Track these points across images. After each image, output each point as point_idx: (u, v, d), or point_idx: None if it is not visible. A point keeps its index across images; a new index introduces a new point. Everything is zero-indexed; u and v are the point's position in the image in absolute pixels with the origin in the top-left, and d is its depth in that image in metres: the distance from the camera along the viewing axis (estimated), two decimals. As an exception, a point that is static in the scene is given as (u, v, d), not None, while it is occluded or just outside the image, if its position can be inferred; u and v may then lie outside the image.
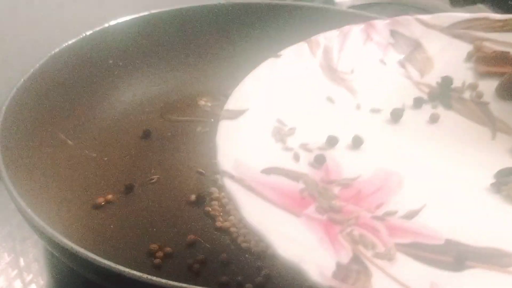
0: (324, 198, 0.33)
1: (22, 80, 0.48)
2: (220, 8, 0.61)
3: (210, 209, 0.45)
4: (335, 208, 0.32)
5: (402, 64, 0.44)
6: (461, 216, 0.33)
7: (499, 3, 0.70)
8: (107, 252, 0.41)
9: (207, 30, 0.60)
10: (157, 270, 0.41)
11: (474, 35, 0.44)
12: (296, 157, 0.35)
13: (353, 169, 0.35)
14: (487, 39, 0.44)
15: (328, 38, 0.43)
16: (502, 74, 0.42)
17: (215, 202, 0.46)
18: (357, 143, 0.37)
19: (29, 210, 0.38)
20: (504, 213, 0.33)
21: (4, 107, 0.46)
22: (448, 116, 0.41)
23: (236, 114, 0.36)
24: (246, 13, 0.61)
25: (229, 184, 0.32)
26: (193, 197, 0.46)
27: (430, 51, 0.44)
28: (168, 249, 0.42)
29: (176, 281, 0.34)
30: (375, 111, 0.40)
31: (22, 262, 0.45)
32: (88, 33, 0.55)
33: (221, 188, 0.46)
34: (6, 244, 0.46)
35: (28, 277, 0.44)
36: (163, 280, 0.34)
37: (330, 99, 0.40)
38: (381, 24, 0.45)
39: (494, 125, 0.40)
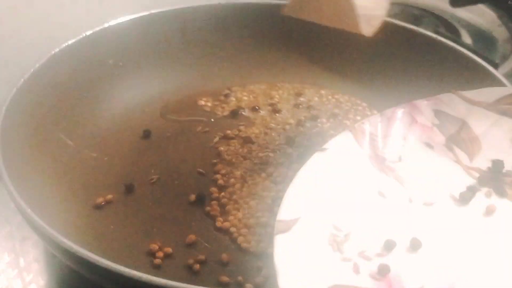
0: None
1: (22, 80, 0.48)
2: (220, 8, 0.61)
3: (210, 209, 0.45)
4: None
5: (449, 147, 0.42)
6: None
7: (499, 3, 0.70)
8: (107, 252, 0.41)
9: (207, 30, 0.60)
10: (157, 270, 0.41)
11: None
12: (356, 269, 0.34)
13: (415, 278, 0.34)
14: None
15: (372, 124, 0.42)
16: None
17: (215, 202, 0.46)
18: (415, 246, 0.36)
19: (29, 210, 0.38)
20: None
21: (4, 107, 0.46)
22: (504, 206, 0.38)
23: (289, 225, 0.35)
24: (246, 13, 0.61)
25: None
26: (193, 197, 0.46)
27: (476, 130, 0.42)
28: (168, 249, 0.42)
29: (176, 281, 0.34)
30: (428, 204, 0.39)
31: (22, 262, 0.45)
32: (88, 33, 0.55)
33: (221, 188, 0.47)
34: (6, 244, 0.46)
35: (28, 277, 0.44)
36: (163, 280, 0.34)
37: (381, 194, 0.39)
38: (424, 104, 0.43)
39: None
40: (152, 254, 0.42)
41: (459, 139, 0.42)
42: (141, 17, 0.58)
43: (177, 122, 0.55)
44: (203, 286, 0.34)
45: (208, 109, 0.56)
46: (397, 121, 0.42)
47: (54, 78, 0.52)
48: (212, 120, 0.55)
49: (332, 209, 0.37)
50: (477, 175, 0.40)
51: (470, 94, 0.44)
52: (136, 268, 0.35)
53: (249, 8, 0.61)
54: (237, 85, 0.59)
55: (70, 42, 0.54)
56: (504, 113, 0.43)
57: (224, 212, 0.45)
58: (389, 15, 0.55)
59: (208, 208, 0.45)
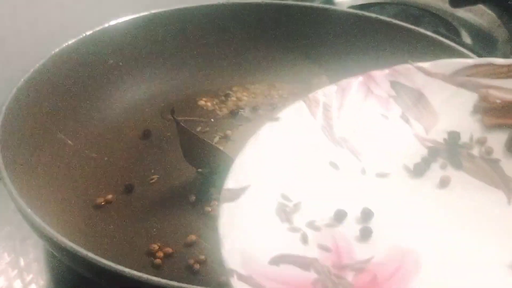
0: None
1: (22, 80, 0.48)
2: (220, 8, 0.61)
3: (210, 209, 0.45)
4: None
5: (405, 119, 0.41)
6: None
7: (499, 3, 0.70)
8: (107, 252, 0.41)
9: (207, 30, 0.60)
10: (157, 270, 0.41)
11: (478, 83, 0.42)
12: (305, 239, 0.33)
13: (365, 248, 0.33)
14: (493, 86, 0.41)
15: (326, 94, 0.41)
16: (511, 126, 0.40)
17: (215, 202, 0.46)
18: (367, 217, 0.35)
19: (29, 210, 0.38)
20: None
21: (4, 107, 0.46)
22: (459, 178, 0.38)
23: (237, 194, 0.34)
24: (246, 13, 0.61)
25: (239, 287, 0.29)
26: (193, 197, 0.46)
27: (433, 102, 0.42)
28: (168, 249, 0.42)
29: (176, 281, 0.34)
30: (381, 175, 0.38)
31: (22, 262, 0.45)
32: (88, 33, 0.55)
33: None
34: (6, 244, 0.46)
35: (28, 277, 0.44)
36: (163, 280, 0.34)
37: (333, 165, 0.38)
38: (381, 76, 0.42)
39: (508, 187, 0.37)
40: (152, 254, 0.42)
41: (415, 111, 0.42)
42: (141, 17, 0.58)
43: (178, 120, 0.54)
44: (203, 286, 0.34)
45: (208, 109, 0.56)
46: (352, 92, 0.41)
47: (54, 78, 0.52)
48: (212, 120, 0.55)
49: (282, 178, 0.36)
50: (432, 146, 0.40)
51: (428, 65, 0.43)
52: (136, 268, 0.35)
53: (249, 8, 0.61)
54: (237, 85, 0.59)
55: (70, 42, 0.54)
56: (462, 85, 0.42)
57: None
58: (389, 15, 0.55)
59: (208, 208, 0.45)
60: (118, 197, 0.47)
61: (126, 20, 0.57)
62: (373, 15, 0.59)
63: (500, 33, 0.68)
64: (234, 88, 0.58)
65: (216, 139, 0.52)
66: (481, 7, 0.70)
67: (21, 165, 0.44)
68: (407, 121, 0.41)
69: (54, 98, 0.51)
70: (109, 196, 0.46)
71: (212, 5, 0.60)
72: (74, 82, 0.53)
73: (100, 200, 0.46)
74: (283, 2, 0.62)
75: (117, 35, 0.57)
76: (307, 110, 0.40)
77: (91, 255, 0.36)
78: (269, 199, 0.34)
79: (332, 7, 0.63)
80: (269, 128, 0.38)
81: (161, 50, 0.59)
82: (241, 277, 0.29)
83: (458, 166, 0.39)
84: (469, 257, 0.33)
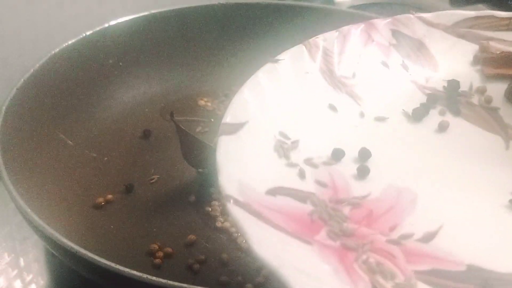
0: (335, 221, 0.31)
1: (22, 80, 0.48)
2: (220, 8, 0.61)
3: (210, 209, 0.45)
4: (347, 231, 0.30)
5: (405, 67, 0.42)
6: (481, 237, 0.31)
7: (499, 3, 0.70)
8: (107, 252, 0.41)
9: (207, 30, 0.60)
10: (157, 270, 0.41)
11: (479, 34, 0.42)
12: (302, 174, 0.33)
13: (362, 186, 0.33)
14: (493, 38, 0.42)
15: (327, 39, 0.41)
16: (510, 77, 0.40)
17: (215, 202, 0.46)
18: (364, 156, 0.35)
19: (29, 210, 0.38)
20: None
21: (4, 107, 0.46)
22: (457, 124, 0.38)
23: (235, 128, 0.34)
24: (246, 13, 0.61)
25: (236, 211, 0.29)
26: (193, 197, 0.46)
27: (434, 52, 0.42)
28: (168, 249, 0.42)
29: (176, 281, 0.34)
30: (380, 119, 0.38)
31: (22, 262, 0.45)
32: (88, 33, 0.55)
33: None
34: (6, 244, 0.46)
35: (28, 277, 0.44)
36: (163, 280, 0.34)
37: (332, 107, 0.38)
38: (382, 24, 0.43)
39: (506, 133, 0.37)
40: (152, 254, 0.42)
41: (415, 59, 0.42)
42: (141, 17, 0.58)
43: (177, 122, 0.54)
44: (203, 286, 0.34)
45: (208, 109, 0.56)
46: (353, 39, 0.42)
47: (54, 78, 0.52)
48: (212, 120, 0.55)
49: (281, 117, 0.36)
50: (431, 93, 0.40)
51: (429, 16, 0.43)
52: (136, 268, 0.35)
53: (249, 8, 0.61)
54: (237, 85, 0.58)
55: (70, 42, 0.54)
56: (462, 36, 0.43)
57: (224, 212, 0.45)
58: (389, 15, 0.55)
59: (208, 208, 0.45)
60: (118, 197, 0.47)
61: (126, 20, 0.57)
62: (373, 15, 0.59)
63: (500, 33, 0.68)
64: (234, 88, 0.58)
65: (216, 139, 0.52)
66: (481, 7, 0.70)
67: (21, 165, 0.44)
68: (406, 69, 0.42)
69: (54, 98, 0.51)
70: (109, 196, 0.46)
71: (212, 5, 0.61)
72: (74, 82, 0.53)
73: (100, 200, 0.46)
74: (283, 2, 0.62)
75: (117, 35, 0.57)
76: (307, 54, 0.40)
77: (91, 255, 0.35)
78: (267, 135, 0.35)
79: (332, 7, 0.63)
80: (269, 68, 0.38)
81: (161, 50, 0.59)
82: (237, 203, 0.29)
83: (456, 112, 0.39)
84: (465, 197, 0.33)
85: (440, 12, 0.44)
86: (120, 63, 0.57)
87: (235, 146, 0.33)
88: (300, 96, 0.38)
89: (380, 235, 0.30)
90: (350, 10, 0.64)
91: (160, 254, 0.42)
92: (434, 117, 0.39)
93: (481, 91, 0.40)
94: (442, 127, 0.38)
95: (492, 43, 0.42)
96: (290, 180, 0.33)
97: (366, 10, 0.68)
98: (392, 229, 0.31)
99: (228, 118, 0.34)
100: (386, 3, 0.73)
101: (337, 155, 0.35)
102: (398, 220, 0.31)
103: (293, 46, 0.41)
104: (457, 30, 0.43)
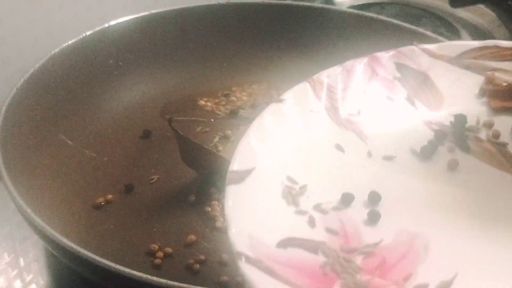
0: (348, 273, 0.30)
1: (22, 80, 0.48)
2: (220, 8, 0.61)
3: (210, 209, 0.45)
4: (361, 284, 0.29)
5: (411, 101, 0.41)
6: (497, 285, 0.30)
7: (499, 3, 0.70)
8: (107, 252, 0.41)
9: (207, 30, 0.60)
10: (157, 270, 0.41)
11: (484, 65, 0.41)
12: (312, 222, 0.32)
13: (373, 232, 0.32)
14: (499, 69, 0.41)
15: (330, 76, 0.40)
16: None
17: (215, 202, 0.46)
18: (374, 200, 0.34)
19: (29, 210, 0.38)
20: None
21: (4, 107, 0.46)
22: (466, 162, 0.37)
23: (242, 176, 0.33)
24: (246, 13, 0.61)
25: (247, 270, 0.28)
26: (193, 197, 0.46)
27: (439, 85, 0.41)
28: (168, 249, 0.42)
29: (176, 281, 0.34)
30: (388, 158, 0.37)
31: (22, 262, 0.45)
32: (88, 33, 0.55)
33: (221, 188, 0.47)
34: (6, 244, 0.46)
35: (28, 277, 0.44)
36: (163, 280, 0.34)
37: (339, 147, 0.37)
38: (386, 57, 0.42)
39: None
40: (152, 254, 0.42)
41: (421, 93, 0.41)
42: (141, 17, 0.58)
43: (177, 122, 0.55)
44: (203, 286, 0.34)
45: (208, 109, 0.56)
46: (357, 74, 0.41)
47: (54, 78, 0.52)
48: (212, 120, 0.55)
49: (288, 161, 0.35)
50: (438, 129, 0.39)
51: (433, 47, 0.42)
52: (136, 268, 0.35)
53: (249, 8, 0.61)
54: (237, 85, 0.59)
55: (70, 42, 0.54)
56: (467, 67, 0.42)
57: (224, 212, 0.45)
58: (389, 15, 0.55)
59: (208, 208, 0.45)
60: (118, 197, 0.47)
61: (126, 20, 0.57)
62: (373, 15, 0.59)
63: (500, 33, 0.68)
64: (234, 88, 0.58)
65: (216, 139, 0.52)
66: (481, 7, 0.70)
67: (21, 165, 0.44)
68: (412, 103, 0.41)
69: (54, 98, 0.51)
70: (109, 196, 0.46)
71: (212, 5, 0.61)
72: (74, 82, 0.53)
73: (100, 200, 0.46)
74: (283, 2, 0.62)
75: (117, 35, 0.57)
76: (311, 92, 0.39)
77: (91, 255, 0.35)
78: (275, 181, 0.34)
79: (332, 7, 0.63)
80: (274, 109, 0.38)
81: (161, 50, 0.59)
82: (249, 260, 0.29)
83: (465, 149, 0.38)
84: (478, 242, 0.32)
85: (444, 43, 0.43)
86: (120, 63, 0.57)
87: (243, 195, 0.32)
88: (306, 136, 0.37)
89: (395, 286, 0.30)
90: (350, 10, 0.64)
91: (160, 254, 0.42)
92: (443, 155, 0.38)
93: (489, 125, 0.40)
94: (452, 166, 0.37)
95: (497, 74, 0.41)
96: (300, 229, 0.32)
97: (367, 10, 0.68)
98: (406, 279, 0.30)
99: (235, 165, 0.34)
100: (387, 3, 0.73)
101: (347, 199, 0.34)
102: (412, 269, 0.30)
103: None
104: (462, 61, 0.42)
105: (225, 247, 0.42)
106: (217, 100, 0.57)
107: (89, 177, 0.48)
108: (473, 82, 0.41)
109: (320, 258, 0.30)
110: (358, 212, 0.34)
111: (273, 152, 0.35)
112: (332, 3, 0.72)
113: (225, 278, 0.40)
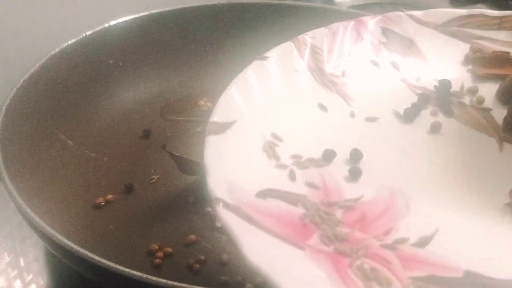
0: (328, 224, 0.30)
1: (22, 80, 0.48)
2: (220, 8, 0.61)
3: (210, 209, 0.45)
4: (341, 236, 0.29)
5: (395, 66, 0.41)
6: (477, 242, 0.30)
7: (499, 3, 0.70)
8: (107, 252, 0.41)
9: (207, 30, 0.60)
10: (157, 270, 0.41)
11: (470, 33, 0.42)
12: (292, 176, 0.33)
13: (354, 188, 0.33)
14: (484, 38, 0.41)
15: (316, 37, 0.40)
16: (502, 77, 0.40)
17: (215, 202, 0.46)
18: (356, 157, 0.34)
19: (29, 210, 0.38)
20: None
21: (4, 107, 0.46)
22: (450, 125, 0.38)
23: (223, 127, 0.33)
24: (246, 13, 0.61)
25: (226, 215, 0.28)
26: (193, 197, 0.46)
27: (424, 50, 0.41)
28: (168, 249, 0.42)
29: (176, 281, 0.34)
30: (371, 119, 0.38)
31: (22, 262, 0.45)
32: (88, 33, 0.55)
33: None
34: (6, 244, 0.46)
35: (28, 277, 0.44)
36: (163, 280, 0.34)
37: (322, 107, 0.37)
38: (372, 22, 0.42)
39: (499, 134, 0.37)
40: (152, 254, 0.42)
41: (406, 58, 0.41)
42: (141, 17, 0.58)
43: (177, 122, 0.55)
44: (203, 286, 0.34)
45: (208, 109, 0.56)
46: (342, 36, 0.41)
47: (54, 78, 0.52)
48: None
49: (270, 116, 0.35)
50: (422, 93, 0.39)
51: (420, 14, 0.42)
52: (136, 268, 0.35)
53: (249, 8, 0.61)
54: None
55: (70, 42, 0.54)
56: (453, 34, 0.42)
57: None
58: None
59: (208, 208, 0.45)
60: (118, 197, 0.47)
61: (126, 20, 0.57)
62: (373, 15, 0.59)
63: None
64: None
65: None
66: (481, 6, 0.70)
67: (21, 165, 0.44)
68: (397, 67, 0.41)
69: (54, 98, 0.51)
70: (109, 196, 0.46)
71: (212, 5, 0.61)
72: (74, 82, 0.53)
73: (100, 200, 0.46)
74: (283, 2, 0.62)
75: (117, 35, 0.57)
76: (295, 51, 0.39)
77: (91, 255, 0.35)
78: (256, 135, 0.34)
79: (333, 7, 0.63)
80: (257, 66, 0.37)
81: (161, 50, 0.59)
82: (227, 206, 0.29)
83: (449, 113, 0.38)
84: (459, 200, 0.32)
85: (431, 10, 0.43)
86: (120, 63, 0.57)
87: (223, 146, 0.32)
88: (289, 94, 0.37)
89: (375, 239, 0.30)
90: (350, 10, 0.64)
91: (160, 254, 0.42)
92: (426, 118, 0.38)
93: (473, 91, 0.40)
94: (435, 128, 0.37)
95: (483, 42, 0.41)
96: (280, 182, 0.32)
97: (367, 10, 0.68)
98: (386, 233, 0.30)
99: (216, 116, 0.33)
100: (387, 3, 0.73)
101: (328, 156, 0.34)
102: (392, 224, 0.30)
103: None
104: (448, 28, 0.42)
105: (225, 247, 0.42)
106: (217, 100, 0.57)
107: (89, 177, 0.48)
108: (459, 49, 0.41)
109: (300, 210, 0.30)
110: (339, 168, 0.34)
111: (255, 107, 0.35)
112: (332, 3, 0.72)
113: (225, 278, 0.40)
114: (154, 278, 0.34)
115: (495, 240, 0.30)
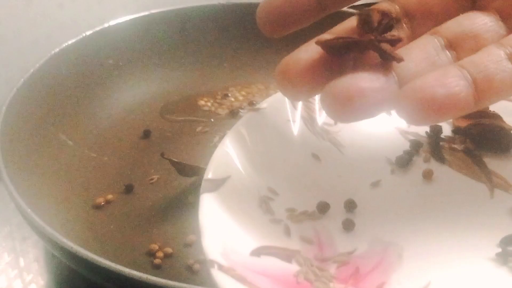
0: (321, 281, 0.30)
1: (22, 80, 0.48)
2: (220, 8, 0.61)
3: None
4: None
5: (387, 111, 0.41)
6: None
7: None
8: (107, 252, 0.41)
9: (207, 30, 0.60)
10: (157, 270, 0.41)
11: None
12: (287, 231, 0.33)
13: (348, 240, 0.33)
14: None
15: None
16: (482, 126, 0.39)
17: (215, 202, 0.46)
18: (350, 208, 0.34)
19: (29, 210, 0.38)
20: None
21: (4, 107, 0.46)
22: (442, 172, 0.37)
23: (217, 184, 0.33)
24: (246, 13, 0.61)
25: (220, 278, 0.28)
26: (192, 197, 0.46)
27: None
28: (168, 249, 0.42)
29: (176, 281, 0.34)
30: (363, 168, 0.37)
31: (22, 262, 0.45)
32: (88, 33, 0.55)
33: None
34: (6, 244, 0.46)
35: (28, 277, 0.44)
36: (163, 280, 0.34)
37: (315, 157, 0.38)
38: None
39: (491, 180, 0.37)
40: (152, 254, 0.42)
41: None
42: (141, 17, 0.58)
43: (177, 122, 0.55)
44: (203, 286, 0.34)
45: (208, 109, 0.56)
46: None
47: (54, 78, 0.52)
48: (212, 120, 0.55)
49: (264, 170, 0.35)
50: (414, 139, 0.39)
51: None
52: (136, 268, 0.35)
53: (249, 8, 0.61)
54: (237, 85, 0.59)
55: (70, 42, 0.54)
56: None
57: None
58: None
59: (208, 208, 0.45)
60: (118, 197, 0.47)
61: (126, 20, 0.57)
62: (373, 15, 0.59)
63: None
64: (234, 88, 0.58)
65: (216, 139, 0.52)
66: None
67: (21, 165, 0.44)
68: (389, 113, 0.40)
69: (54, 98, 0.51)
70: (109, 196, 0.46)
71: (212, 5, 0.61)
72: (74, 82, 0.53)
73: (100, 200, 0.46)
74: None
75: (117, 35, 0.57)
76: (288, 101, 0.39)
77: (91, 255, 0.35)
78: (251, 190, 0.34)
79: (332, 7, 0.63)
80: (250, 118, 0.37)
81: (161, 50, 0.59)
82: (221, 268, 0.29)
83: (441, 159, 0.38)
84: (451, 251, 0.32)
85: None
86: (120, 63, 0.57)
87: (218, 204, 0.32)
88: (283, 145, 0.37)
89: None
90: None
91: (160, 254, 0.42)
92: (418, 165, 0.38)
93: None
94: (427, 176, 0.37)
95: None
96: (275, 237, 0.32)
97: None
98: None
99: (210, 174, 0.33)
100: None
101: (322, 208, 0.34)
102: (385, 278, 0.30)
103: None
104: None
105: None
106: (217, 100, 0.57)
107: (89, 177, 0.48)
108: None
109: (294, 267, 0.30)
110: (333, 221, 0.34)
111: (249, 161, 0.35)
112: (332, 3, 0.71)
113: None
114: (154, 278, 0.34)
115: None
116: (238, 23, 0.61)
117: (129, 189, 0.47)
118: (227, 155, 0.35)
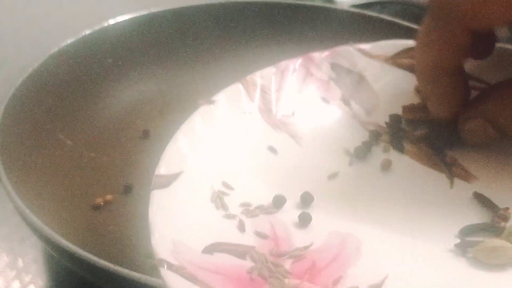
0: (276, 277, 0.29)
1: (21, 80, 0.48)
2: (220, 8, 0.61)
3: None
4: None
5: (346, 102, 0.40)
6: (427, 286, 0.29)
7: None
8: (106, 252, 0.41)
9: (207, 30, 0.60)
10: (157, 270, 0.41)
11: None
12: (241, 226, 0.32)
13: (304, 234, 0.32)
14: None
15: (264, 76, 0.39)
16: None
17: (215, 203, 0.45)
18: (306, 201, 0.33)
19: (27, 211, 0.38)
20: (472, 279, 0.29)
21: (3, 107, 0.46)
22: (401, 162, 0.37)
23: (169, 180, 0.32)
24: (246, 13, 0.61)
25: (169, 277, 0.28)
26: (193, 197, 0.46)
27: (374, 85, 0.40)
28: (168, 249, 0.42)
29: (175, 281, 0.34)
30: (321, 159, 0.37)
31: (20, 262, 0.45)
32: (88, 32, 0.55)
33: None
34: (4, 244, 0.46)
35: (27, 278, 0.43)
36: (163, 281, 0.34)
37: (272, 149, 0.37)
38: (321, 57, 0.41)
39: (450, 170, 0.36)
40: (151, 256, 0.42)
41: (356, 93, 0.40)
42: (141, 16, 0.58)
43: (177, 122, 0.54)
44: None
45: (208, 109, 0.56)
46: (291, 74, 0.40)
47: (53, 78, 0.52)
48: (212, 120, 0.54)
49: (218, 164, 0.34)
50: (373, 129, 0.39)
51: (369, 47, 0.42)
52: (135, 269, 0.35)
53: (249, 8, 0.61)
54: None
55: (69, 41, 0.54)
56: (403, 67, 0.41)
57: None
58: (390, 14, 0.55)
59: (208, 209, 0.45)
60: (118, 197, 0.46)
61: (126, 20, 0.57)
62: (374, 14, 0.59)
63: (500, 33, 0.68)
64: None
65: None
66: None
67: (20, 165, 0.44)
68: (348, 104, 0.40)
69: (53, 98, 0.51)
70: (109, 197, 0.46)
71: (212, 5, 0.61)
72: (73, 82, 0.53)
73: (99, 201, 0.46)
74: (283, 1, 0.62)
75: (116, 35, 0.57)
76: (244, 93, 0.38)
77: (90, 255, 0.35)
78: (204, 185, 0.33)
79: (333, 6, 0.63)
80: (204, 111, 0.37)
81: (161, 49, 0.59)
82: (171, 267, 0.28)
83: (400, 149, 0.38)
84: (410, 242, 0.32)
85: (380, 42, 0.42)
86: (120, 63, 0.57)
87: (169, 200, 0.31)
88: (238, 139, 0.36)
89: None
90: (351, 9, 0.64)
91: (160, 254, 0.42)
92: (377, 155, 0.37)
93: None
94: (385, 166, 0.37)
95: None
96: (229, 233, 0.31)
97: (368, 9, 0.68)
98: (335, 282, 0.29)
99: (162, 169, 0.33)
100: (388, 2, 0.73)
101: (278, 202, 0.33)
102: (341, 272, 0.30)
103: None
104: (398, 60, 0.41)
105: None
106: (217, 100, 0.57)
107: (88, 177, 0.48)
108: (409, 82, 0.40)
109: (248, 263, 0.30)
110: (289, 214, 0.33)
111: (203, 155, 0.34)
112: (333, 2, 0.71)
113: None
114: (153, 279, 0.34)
115: (444, 284, 0.29)
116: (238, 23, 0.60)
117: (128, 189, 0.47)
118: (179, 150, 0.34)
